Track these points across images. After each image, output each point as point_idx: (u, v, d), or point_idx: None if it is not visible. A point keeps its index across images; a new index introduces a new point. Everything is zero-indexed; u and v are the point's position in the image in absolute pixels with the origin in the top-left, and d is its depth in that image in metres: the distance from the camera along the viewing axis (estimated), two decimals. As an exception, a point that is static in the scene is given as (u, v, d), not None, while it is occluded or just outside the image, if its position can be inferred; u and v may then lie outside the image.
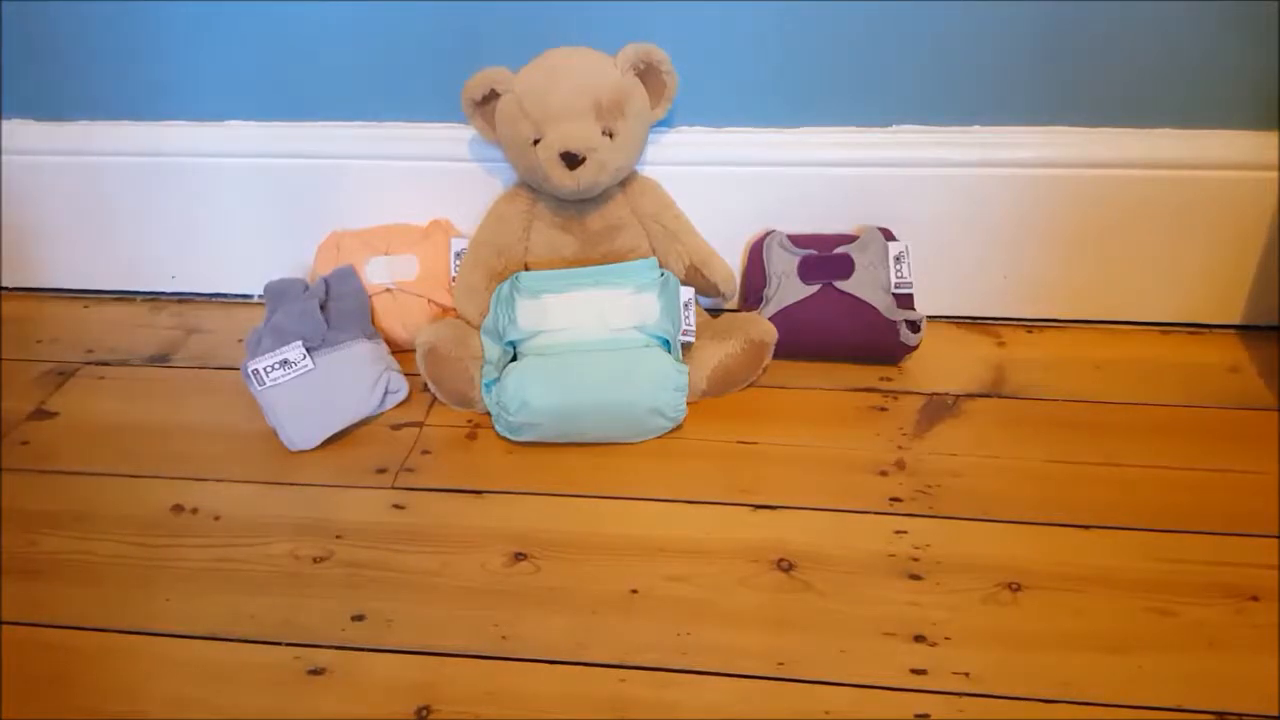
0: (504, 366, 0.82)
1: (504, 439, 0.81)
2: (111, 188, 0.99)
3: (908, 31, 0.83)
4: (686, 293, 0.84)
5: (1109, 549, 0.70)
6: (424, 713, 0.60)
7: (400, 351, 0.90)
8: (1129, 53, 0.82)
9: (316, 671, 0.63)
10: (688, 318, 0.82)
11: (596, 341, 0.81)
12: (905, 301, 0.87)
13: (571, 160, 0.80)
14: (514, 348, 0.84)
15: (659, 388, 0.79)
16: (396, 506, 0.76)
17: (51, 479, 0.80)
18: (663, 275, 0.84)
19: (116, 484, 0.79)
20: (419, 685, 0.62)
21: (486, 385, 0.82)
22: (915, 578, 0.68)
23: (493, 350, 0.83)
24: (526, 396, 0.78)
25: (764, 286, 0.88)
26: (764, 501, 0.75)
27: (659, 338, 0.82)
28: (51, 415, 0.88)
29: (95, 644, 0.66)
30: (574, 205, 0.86)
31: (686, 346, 0.83)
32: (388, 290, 0.91)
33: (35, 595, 0.69)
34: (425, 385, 0.84)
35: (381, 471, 0.79)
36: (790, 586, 0.68)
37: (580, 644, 0.64)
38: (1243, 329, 0.92)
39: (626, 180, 0.88)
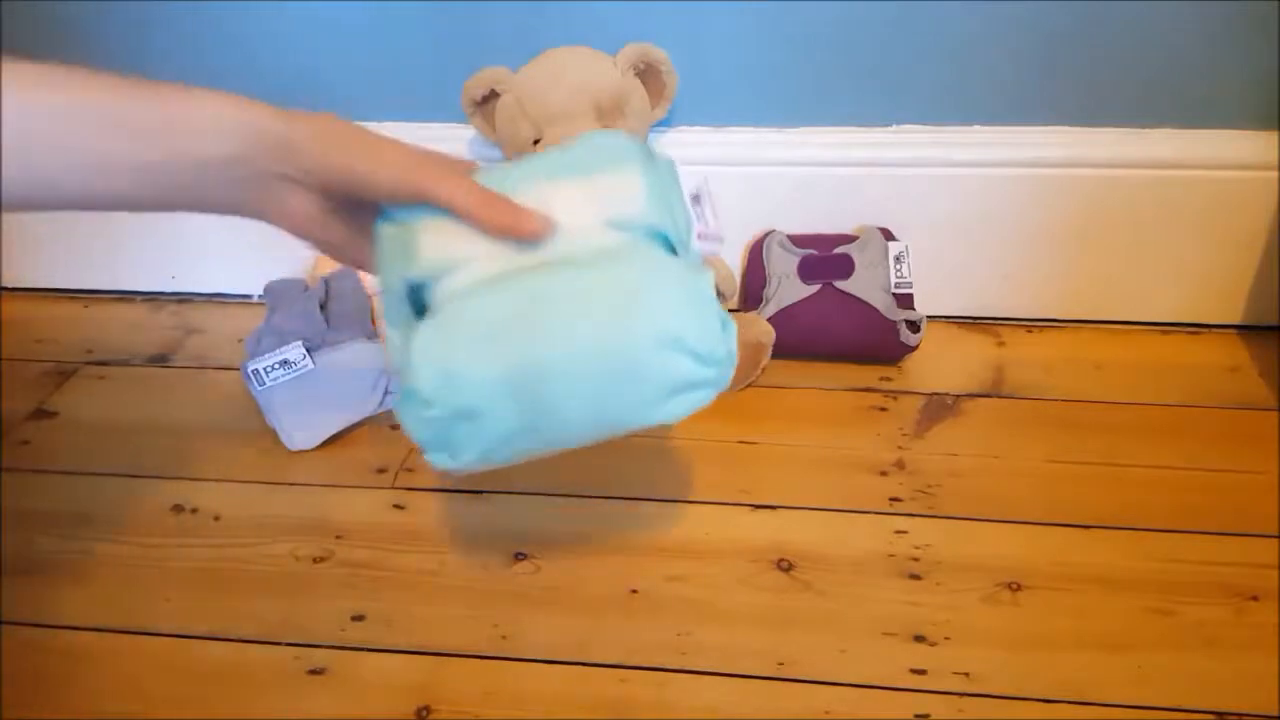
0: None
1: (440, 470, 0.53)
2: (111, 188, 0.98)
3: (908, 31, 0.83)
4: (694, 181, 0.58)
5: (1109, 549, 0.69)
6: (424, 713, 0.60)
7: (400, 351, 0.90)
8: (1129, 53, 0.82)
9: (316, 671, 0.63)
10: (700, 213, 0.57)
11: (556, 258, 0.50)
12: (905, 301, 0.87)
13: (571, 160, 0.79)
14: (420, 302, 0.52)
15: (671, 308, 0.49)
16: (396, 506, 0.76)
17: (51, 479, 0.80)
18: (642, 147, 0.55)
19: (116, 484, 0.79)
20: (419, 685, 0.62)
21: (402, 400, 0.51)
22: (915, 578, 0.68)
23: (394, 337, 0.52)
24: (450, 364, 0.48)
25: (764, 286, 0.88)
26: (764, 501, 0.75)
27: (657, 235, 0.52)
28: (51, 415, 0.88)
29: (95, 644, 0.66)
30: (574, 205, 0.85)
31: (709, 255, 0.58)
32: (388, 290, 0.91)
33: (35, 595, 0.69)
34: (425, 385, 0.83)
35: (381, 471, 0.79)
36: (790, 586, 0.68)
37: (580, 644, 0.64)
38: (1243, 329, 0.92)
39: (626, 180, 0.86)
